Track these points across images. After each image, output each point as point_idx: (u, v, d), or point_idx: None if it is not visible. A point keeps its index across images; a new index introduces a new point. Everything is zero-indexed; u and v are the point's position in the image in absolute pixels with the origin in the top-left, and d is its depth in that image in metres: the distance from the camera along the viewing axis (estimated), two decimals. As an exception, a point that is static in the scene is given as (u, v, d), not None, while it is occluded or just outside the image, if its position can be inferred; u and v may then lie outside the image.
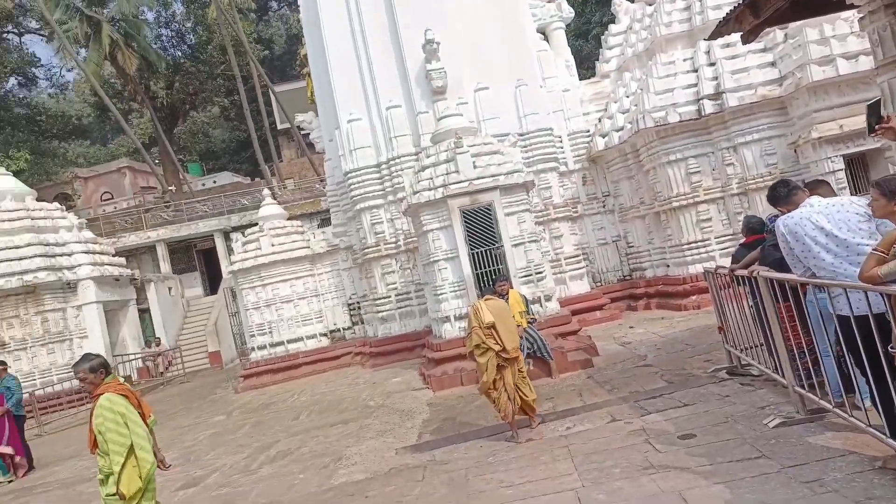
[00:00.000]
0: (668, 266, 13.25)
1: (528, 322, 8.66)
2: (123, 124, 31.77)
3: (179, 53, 40.34)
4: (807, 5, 5.66)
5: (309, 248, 15.04)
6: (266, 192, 17.24)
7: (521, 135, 13.04)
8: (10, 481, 9.12)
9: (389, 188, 13.16)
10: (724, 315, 6.48)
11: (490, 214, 9.78)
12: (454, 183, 9.88)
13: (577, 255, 13.30)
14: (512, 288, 9.00)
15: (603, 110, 14.59)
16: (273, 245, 14.83)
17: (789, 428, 4.62)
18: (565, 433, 5.86)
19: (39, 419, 13.95)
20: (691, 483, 4.08)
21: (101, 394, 4.11)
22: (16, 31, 37.21)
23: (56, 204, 21.46)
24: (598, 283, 14.27)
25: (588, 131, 14.41)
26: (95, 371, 4.19)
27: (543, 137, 13.26)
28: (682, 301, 12.12)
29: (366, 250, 13.47)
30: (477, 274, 9.70)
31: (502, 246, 9.77)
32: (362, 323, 15.02)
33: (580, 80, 15.30)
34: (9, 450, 9.23)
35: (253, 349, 15.06)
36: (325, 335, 15.03)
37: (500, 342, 6.03)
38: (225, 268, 24.84)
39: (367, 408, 9.05)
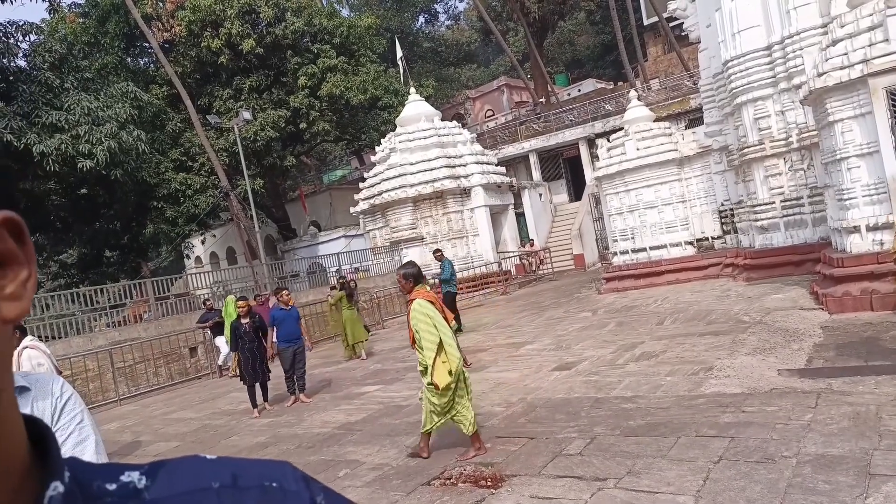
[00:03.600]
0: None
1: None
2: (503, 43, 34.81)
3: (551, -40, 41.20)
4: None
5: (677, 150, 14.11)
6: (632, 93, 16.64)
7: None
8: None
9: (782, 74, 11.04)
10: None
11: (938, 93, 7.26)
12: (880, 56, 7.61)
13: None
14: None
15: None
16: (638, 149, 14.43)
17: None
18: None
19: (447, 296, 17.55)
20: None
21: (414, 299, 4.72)
22: (420, -28, 44.08)
23: (455, 122, 25.40)
24: None
25: None
26: (407, 278, 4.83)
27: None
28: None
29: (745, 150, 11.84)
30: (908, 174, 7.48)
31: (955, 135, 7.21)
32: (735, 232, 13.59)
33: None
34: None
35: (615, 254, 15.37)
36: (690, 243, 14.21)
37: None
38: (588, 174, 25.60)
39: (741, 322, 8.29)
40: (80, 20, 24.66)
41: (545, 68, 38.18)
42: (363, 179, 24.27)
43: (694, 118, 23.41)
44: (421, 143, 22.18)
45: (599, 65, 47.54)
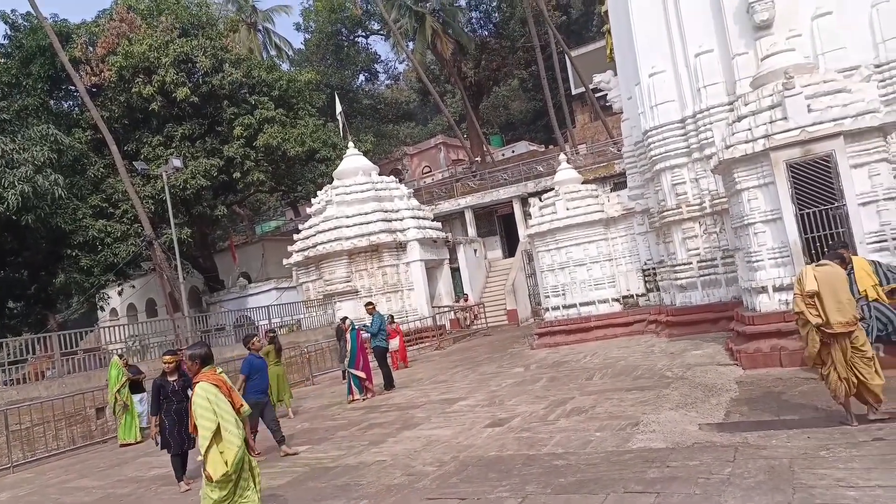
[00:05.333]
0: None
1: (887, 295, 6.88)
2: (441, 105, 36.08)
3: (486, 33, 43.66)
4: None
5: (603, 211, 14.84)
6: (562, 156, 17.54)
7: (877, 66, 10.31)
8: (364, 399, 11.44)
9: (695, 145, 12.00)
10: None
11: (828, 167, 8.07)
12: (780, 132, 8.43)
13: (960, 219, 10.07)
14: (856, 255, 7.32)
15: None
16: (567, 209, 15.06)
17: None
18: (937, 440, 4.58)
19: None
20: None
21: (198, 382, 4.44)
22: (363, 34, 45.46)
23: (392, 177, 25.69)
24: None
25: None
26: (193, 359, 4.53)
27: (912, 65, 10.26)
28: None
29: (664, 213, 12.62)
30: (807, 239, 8.18)
31: (844, 206, 7.99)
32: (657, 290, 14.25)
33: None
34: (361, 374, 11.58)
35: (546, 309, 15.71)
36: (617, 300, 14.76)
37: (821, 314, 5.27)
38: (522, 232, 26.38)
39: (665, 378, 8.60)
40: (2, 61, 23.56)
41: (481, 129, 39.73)
42: (298, 231, 23.90)
43: (619, 182, 24.82)
44: (358, 197, 22.23)
45: (532, 128, 49.94)
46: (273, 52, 40.76)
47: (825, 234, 8.03)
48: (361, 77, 48.26)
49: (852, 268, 6.49)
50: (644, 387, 8.22)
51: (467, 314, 24.19)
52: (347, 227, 21.38)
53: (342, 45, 44.42)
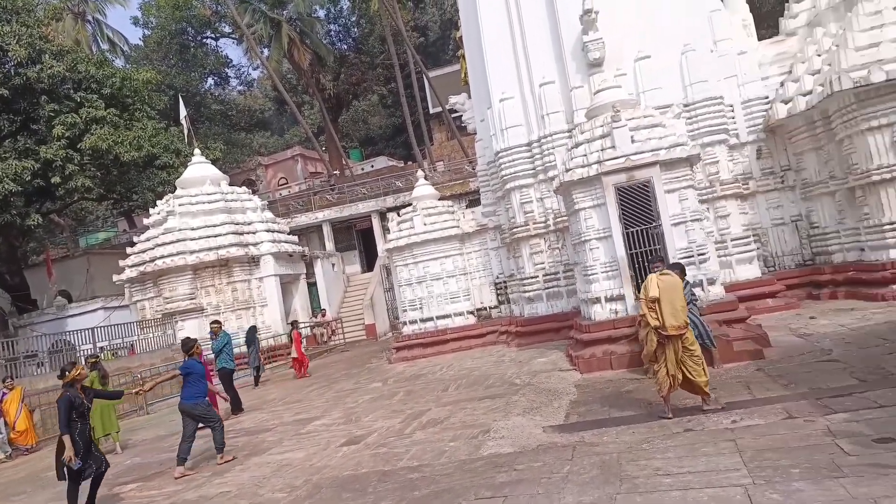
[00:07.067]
0: (863, 250, 11.42)
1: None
2: (298, 115, 35.03)
3: (345, 47, 43.44)
4: None
5: (459, 227, 15.38)
6: (420, 173, 17.90)
7: (685, 105, 12.02)
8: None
9: (540, 167, 12.95)
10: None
11: (648, 192, 9.17)
12: (609, 159, 9.41)
13: (745, 237, 12.03)
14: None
15: (787, 73, 12.91)
16: (425, 224, 15.40)
17: None
18: (731, 426, 5.36)
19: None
20: (891, 491, 3.49)
21: None
22: (213, 36, 42.77)
23: (244, 188, 24.34)
24: (771, 268, 12.80)
25: (766, 98, 12.86)
26: None
27: (711, 107, 12.09)
28: (881, 290, 10.39)
29: (514, 230, 13.43)
30: (631, 254, 9.19)
31: (660, 225, 9.12)
32: (508, 302, 15.07)
33: (759, 40, 13.66)
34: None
35: (405, 323, 15.86)
36: (471, 313, 15.34)
37: (659, 318, 5.96)
38: (380, 246, 26.42)
39: (513, 385, 9.08)
40: None
41: (340, 143, 39.26)
42: (133, 244, 21.67)
43: (473, 199, 25.92)
44: (205, 208, 20.75)
45: (391, 144, 50.46)
46: (105, 46, 36.72)
47: (646, 251, 9.08)
48: (210, 81, 45.31)
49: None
50: (495, 395, 8.60)
51: (325, 330, 23.58)
52: (193, 239, 19.83)
53: (188, 46, 41.40)
